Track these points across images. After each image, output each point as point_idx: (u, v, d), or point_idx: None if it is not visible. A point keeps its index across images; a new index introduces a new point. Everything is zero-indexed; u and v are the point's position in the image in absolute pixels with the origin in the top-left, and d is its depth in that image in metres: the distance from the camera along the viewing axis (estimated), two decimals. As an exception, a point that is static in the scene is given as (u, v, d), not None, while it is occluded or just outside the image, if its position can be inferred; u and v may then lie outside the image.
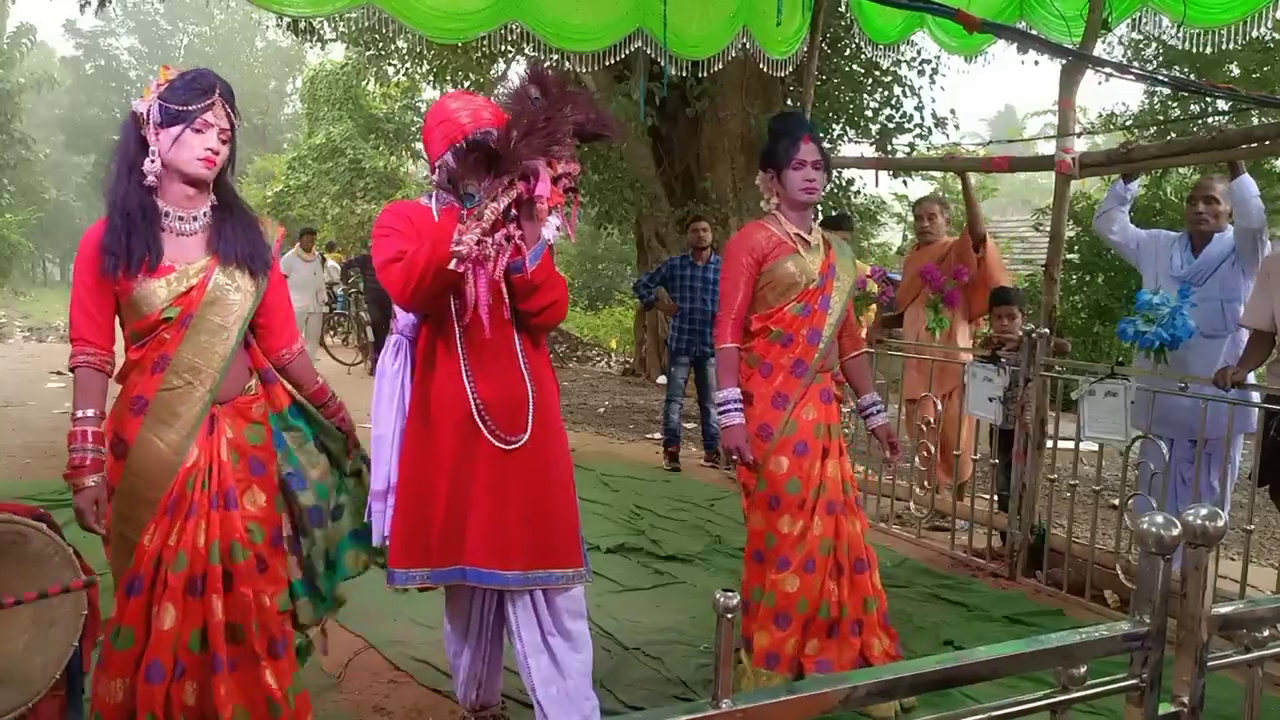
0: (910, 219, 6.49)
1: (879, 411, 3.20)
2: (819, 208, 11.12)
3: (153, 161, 2.08)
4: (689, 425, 7.32)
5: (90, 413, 2.10)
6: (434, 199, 2.35)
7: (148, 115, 2.09)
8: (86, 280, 2.10)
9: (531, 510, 2.30)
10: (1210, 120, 9.54)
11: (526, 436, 2.30)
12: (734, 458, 2.94)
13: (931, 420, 4.86)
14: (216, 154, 2.11)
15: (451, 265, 2.02)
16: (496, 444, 2.27)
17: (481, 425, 2.27)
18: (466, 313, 2.15)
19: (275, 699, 2.13)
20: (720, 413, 2.95)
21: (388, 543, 2.35)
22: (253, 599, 2.13)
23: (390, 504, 2.34)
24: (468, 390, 2.27)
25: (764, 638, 2.86)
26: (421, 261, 2.10)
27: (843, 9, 6.90)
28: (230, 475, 2.16)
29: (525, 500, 2.30)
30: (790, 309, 2.93)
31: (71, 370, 2.14)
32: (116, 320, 2.17)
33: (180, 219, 2.15)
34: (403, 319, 2.35)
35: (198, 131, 2.08)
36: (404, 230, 2.25)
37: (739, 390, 2.95)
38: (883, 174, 6.63)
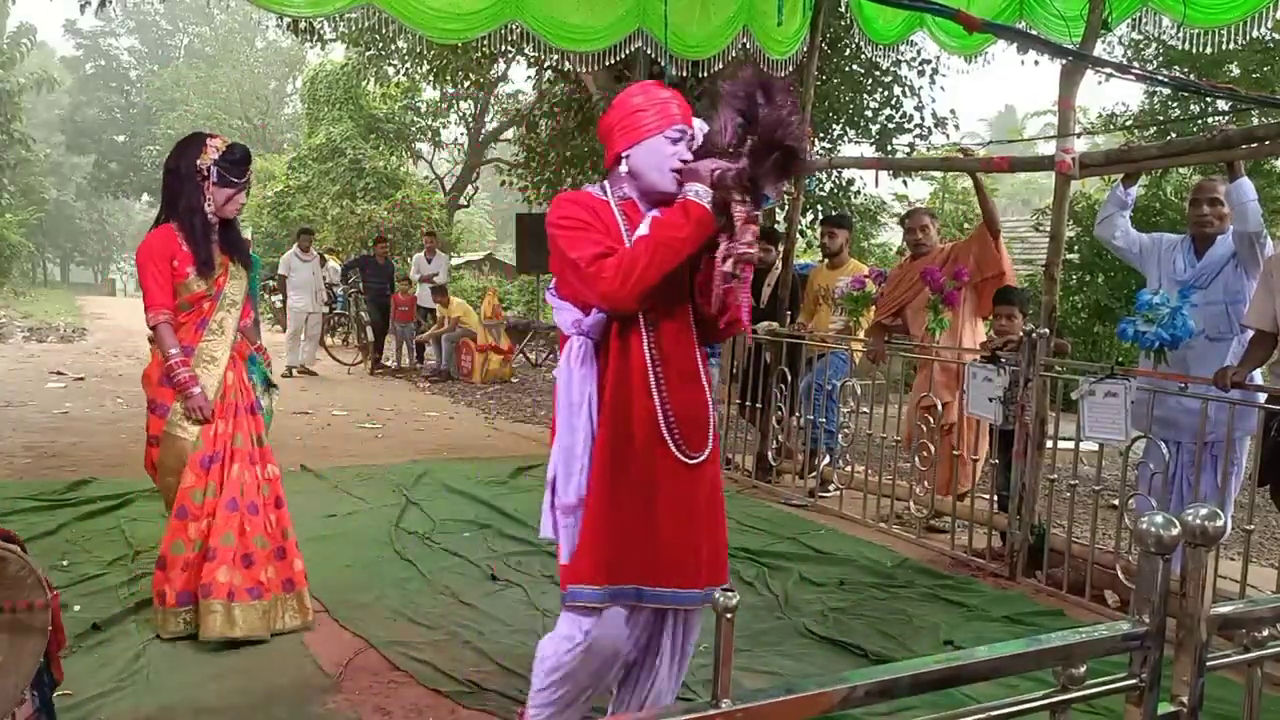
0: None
1: None
2: (818, 207, 11.09)
3: (209, 205, 3.23)
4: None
5: (178, 350, 3.17)
6: (608, 192, 2.23)
7: (210, 175, 3.20)
8: (162, 267, 3.16)
9: (711, 527, 2.25)
10: (1210, 120, 9.54)
11: (708, 452, 2.24)
12: None
13: (932, 421, 4.86)
14: (244, 204, 3.39)
15: (729, 267, 2.02)
16: (681, 459, 2.18)
17: (669, 439, 2.17)
18: (706, 307, 2.13)
19: (287, 531, 3.37)
20: None
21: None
22: (268, 470, 3.37)
23: (579, 517, 2.18)
24: (656, 402, 2.17)
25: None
26: (662, 257, 2.03)
27: (843, 9, 6.90)
28: (249, 395, 3.36)
29: (706, 518, 2.23)
30: None
31: (155, 327, 3.17)
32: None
33: (213, 232, 3.30)
34: (591, 318, 2.16)
35: (240, 191, 3.29)
36: (595, 224, 2.15)
37: None
38: (883, 174, 6.63)
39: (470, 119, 22.79)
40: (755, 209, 2.06)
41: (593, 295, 2.08)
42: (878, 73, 10.28)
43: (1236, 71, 10.39)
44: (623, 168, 2.19)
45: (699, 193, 2.08)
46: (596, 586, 2.16)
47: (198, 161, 3.19)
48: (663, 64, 5.73)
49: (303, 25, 9.42)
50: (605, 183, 2.25)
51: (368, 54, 13.07)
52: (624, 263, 2.04)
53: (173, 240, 3.19)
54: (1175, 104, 11.02)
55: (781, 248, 6.30)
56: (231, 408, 3.27)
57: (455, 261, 20.50)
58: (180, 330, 3.21)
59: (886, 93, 10.49)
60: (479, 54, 10.56)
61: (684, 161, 2.14)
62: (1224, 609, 1.36)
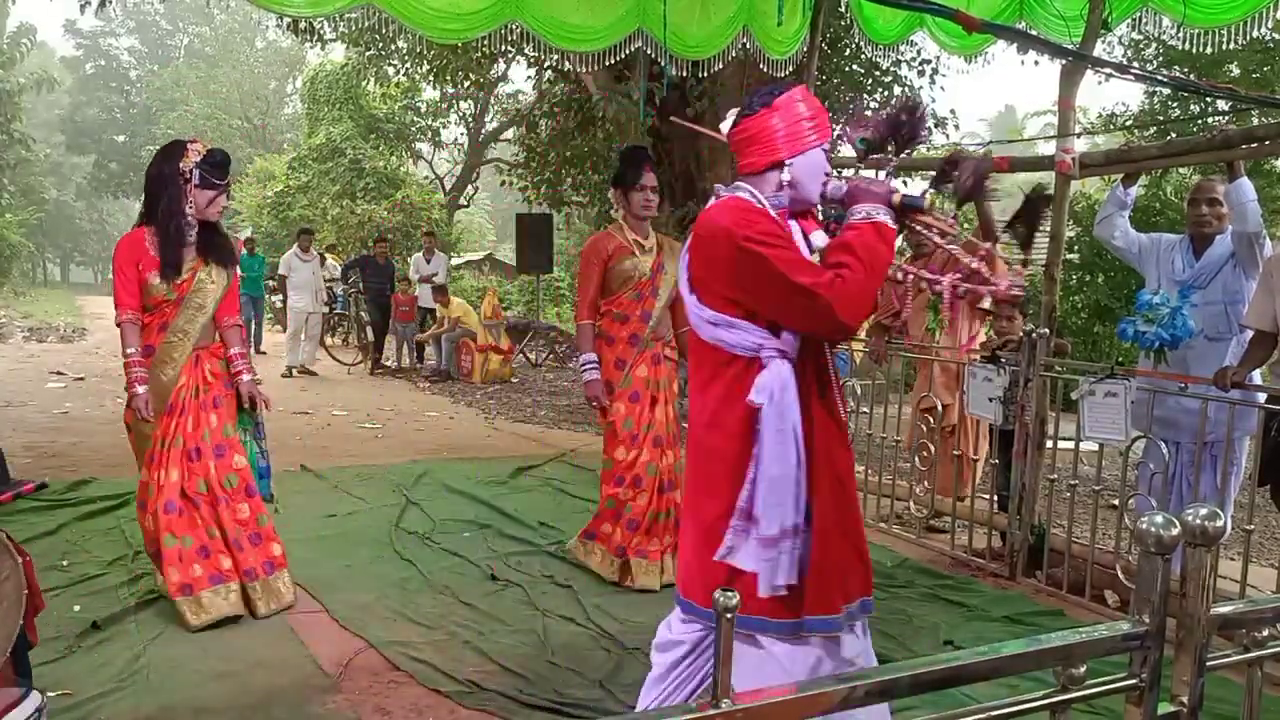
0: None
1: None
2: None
3: (190, 208, 3.33)
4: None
5: (134, 349, 3.32)
6: (762, 200, 2.12)
7: (190, 174, 3.29)
8: (129, 270, 3.30)
9: None
10: (1210, 120, 9.53)
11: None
12: (593, 404, 3.96)
13: (931, 421, 4.86)
14: (225, 206, 3.47)
15: (987, 305, 2.12)
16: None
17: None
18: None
19: (261, 518, 3.50)
20: (581, 371, 3.97)
21: (780, 591, 2.04)
22: (234, 461, 3.46)
23: (787, 548, 2.02)
24: (845, 417, 2.20)
25: (608, 531, 3.96)
26: (877, 282, 2.02)
27: (843, 9, 6.89)
28: (215, 389, 3.46)
29: None
30: (627, 295, 3.93)
31: (119, 325, 3.33)
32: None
33: (187, 237, 3.37)
34: (790, 339, 2.05)
35: (221, 194, 3.38)
36: (790, 239, 2.07)
37: (594, 355, 3.92)
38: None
39: (470, 119, 22.78)
40: (1028, 252, 2.23)
41: (824, 321, 1.98)
42: (878, 73, 10.28)
43: (1236, 71, 10.39)
44: (785, 175, 2.10)
45: (885, 215, 2.06)
46: (843, 608, 2.08)
47: (180, 165, 3.30)
48: (663, 64, 5.73)
49: (303, 25, 9.40)
50: (751, 189, 2.12)
51: (368, 54, 13.05)
52: (855, 288, 1.97)
53: (141, 244, 3.32)
54: (1175, 104, 11.02)
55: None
56: (178, 408, 3.37)
57: (455, 261, 20.49)
58: (145, 330, 3.36)
59: (886, 93, 10.48)
60: (479, 54, 10.54)
61: (829, 175, 2.15)
62: (1224, 609, 1.35)
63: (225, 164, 3.37)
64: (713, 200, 2.17)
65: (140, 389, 3.29)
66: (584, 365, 3.95)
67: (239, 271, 3.71)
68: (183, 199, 3.31)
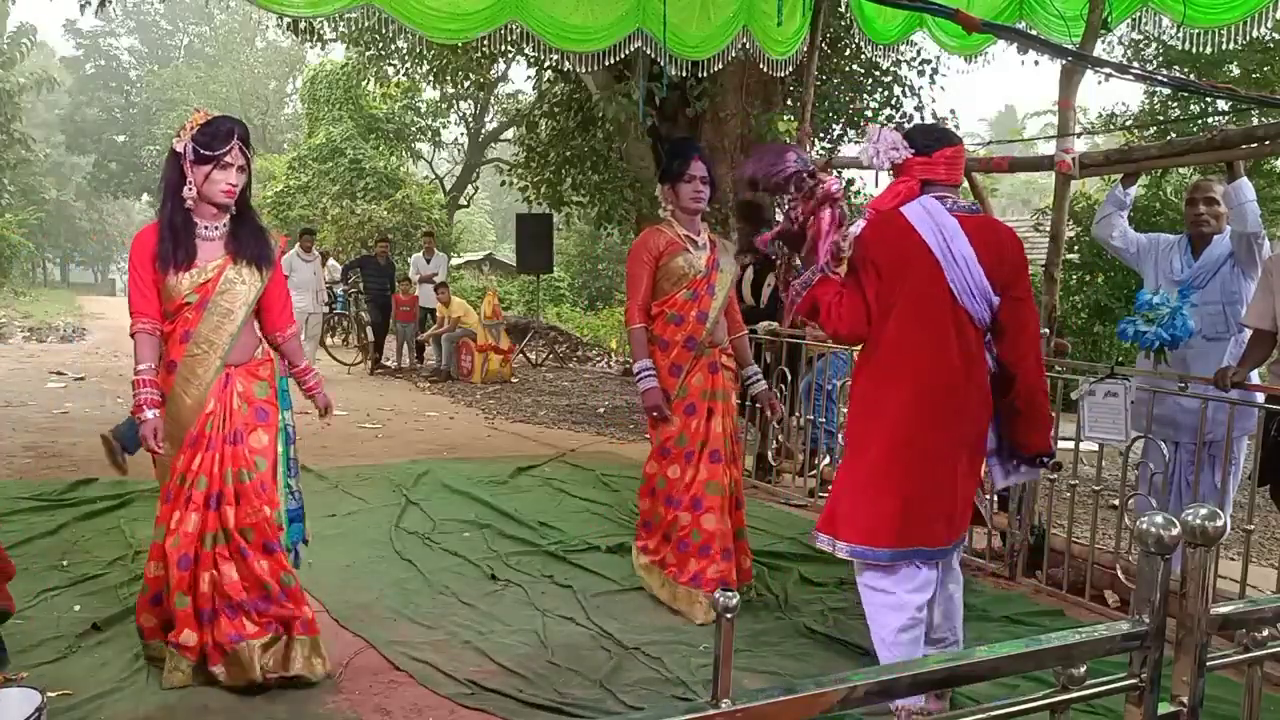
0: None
1: (758, 379, 3.89)
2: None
3: (190, 189, 2.75)
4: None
5: (147, 365, 2.77)
6: None
7: (185, 153, 2.74)
8: (141, 272, 2.77)
9: None
10: (1210, 120, 9.54)
11: None
12: (654, 414, 3.56)
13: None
14: (236, 185, 2.79)
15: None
16: None
17: None
18: None
19: (267, 582, 2.81)
20: (637, 380, 3.60)
21: None
22: (255, 510, 2.80)
23: None
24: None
25: (672, 560, 3.60)
26: None
27: (843, 9, 6.89)
28: (238, 419, 2.82)
29: None
30: (681, 295, 3.61)
31: (132, 335, 2.79)
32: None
33: (207, 228, 2.82)
34: None
35: (222, 169, 2.74)
36: None
37: (650, 361, 3.59)
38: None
39: (470, 119, 22.81)
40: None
41: (1035, 323, 2.83)
42: (878, 73, 10.27)
43: (1236, 71, 10.39)
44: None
45: None
46: None
47: (174, 143, 2.80)
48: (662, 64, 5.73)
49: (303, 25, 9.41)
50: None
51: (368, 54, 13.05)
52: None
53: (154, 238, 2.79)
54: (1175, 104, 11.02)
55: (781, 248, 6.29)
56: (204, 441, 2.78)
57: (455, 261, 20.51)
58: (167, 342, 2.82)
59: (886, 93, 10.47)
60: (479, 54, 10.55)
61: None
62: (1224, 609, 1.36)
63: (227, 133, 2.75)
64: (969, 205, 2.81)
65: (149, 413, 2.72)
66: (640, 373, 3.57)
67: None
68: (180, 180, 2.75)
